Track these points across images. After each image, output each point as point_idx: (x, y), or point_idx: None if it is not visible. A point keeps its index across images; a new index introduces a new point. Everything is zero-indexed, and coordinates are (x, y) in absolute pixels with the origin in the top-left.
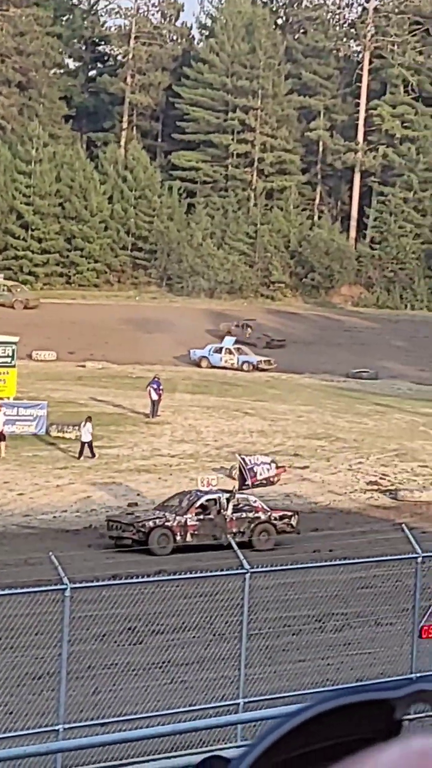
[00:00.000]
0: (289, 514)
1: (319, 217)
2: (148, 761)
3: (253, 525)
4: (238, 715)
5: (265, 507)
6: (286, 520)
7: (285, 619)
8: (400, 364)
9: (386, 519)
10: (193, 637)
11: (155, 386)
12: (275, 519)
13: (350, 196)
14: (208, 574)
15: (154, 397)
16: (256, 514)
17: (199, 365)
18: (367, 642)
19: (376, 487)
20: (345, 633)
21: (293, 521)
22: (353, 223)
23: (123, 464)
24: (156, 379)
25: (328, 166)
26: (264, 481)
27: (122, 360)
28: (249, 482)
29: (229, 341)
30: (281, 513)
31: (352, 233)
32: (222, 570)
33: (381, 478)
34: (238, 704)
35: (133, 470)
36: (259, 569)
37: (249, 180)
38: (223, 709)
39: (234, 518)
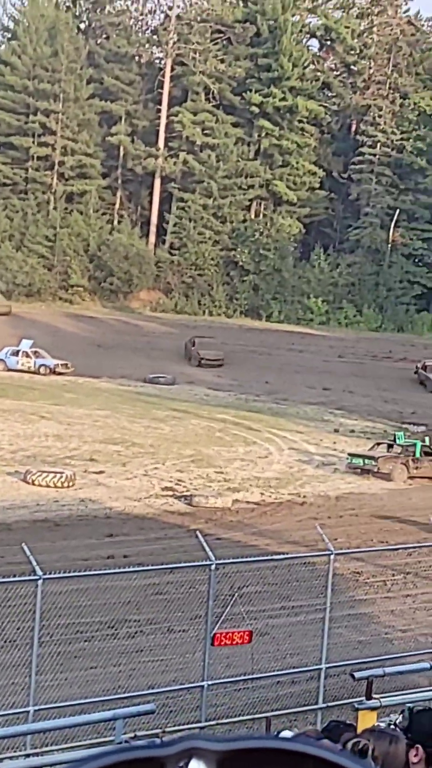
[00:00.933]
0: None
1: (119, 222)
2: None
3: None
4: (27, 725)
5: None
6: None
7: (77, 626)
8: (197, 370)
9: (181, 525)
10: None
11: None
12: None
13: (150, 202)
14: None
15: None
16: None
17: None
18: (160, 649)
19: (171, 492)
20: (138, 640)
21: None
22: (153, 229)
23: None
24: None
25: (128, 171)
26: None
27: None
28: None
29: (26, 344)
30: None
31: (152, 238)
32: (14, 576)
33: (176, 484)
34: (28, 712)
35: None
36: (52, 575)
37: (49, 183)
38: (13, 717)
39: None
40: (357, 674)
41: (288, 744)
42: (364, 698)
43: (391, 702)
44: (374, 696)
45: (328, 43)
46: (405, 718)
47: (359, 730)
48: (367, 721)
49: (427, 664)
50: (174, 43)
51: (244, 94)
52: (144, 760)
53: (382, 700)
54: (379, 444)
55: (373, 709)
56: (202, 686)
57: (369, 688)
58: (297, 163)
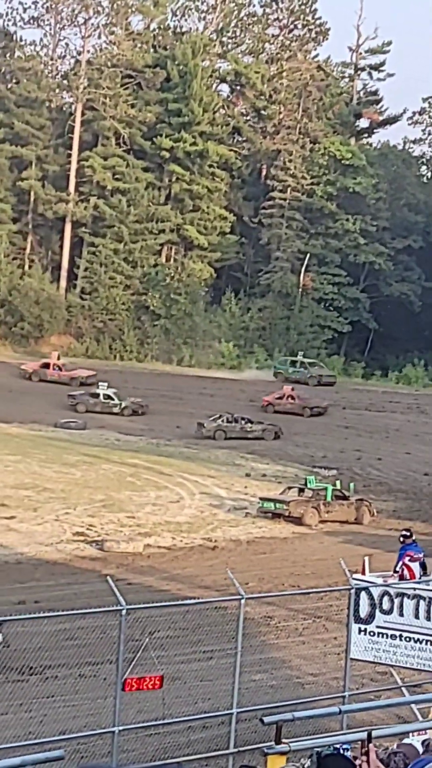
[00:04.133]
0: None
1: (30, 266)
2: None
3: None
4: None
5: None
6: None
7: None
8: (108, 415)
9: (92, 570)
10: None
11: None
12: None
13: (61, 246)
14: None
15: None
16: None
17: None
18: (71, 694)
19: (82, 537)
20: (49, 685)
21: None
22: (64, 273)
23: None
24: None
25: (39, 216)
26: None
27: None
28: None
29: None
30: None
31: (63, 283)
32: None
33: (88, 529)
34: None
35: None
36: None
37: None
38: None
39: None
40: (266, 719)
41: None
42: (273, 743)
43: (300, 746)
44: (283, 740)
45: (239, 88)
46: (313, 762)
47: None
48: (276, 765)
49: (336, 708)
50: (84, 88)
51: (154, 138)
52: None
53: (291, 744)
54: (290, 488)
55: (282, 753)
56: (113, 731)
57: (278, 733)
58: (208, 207)
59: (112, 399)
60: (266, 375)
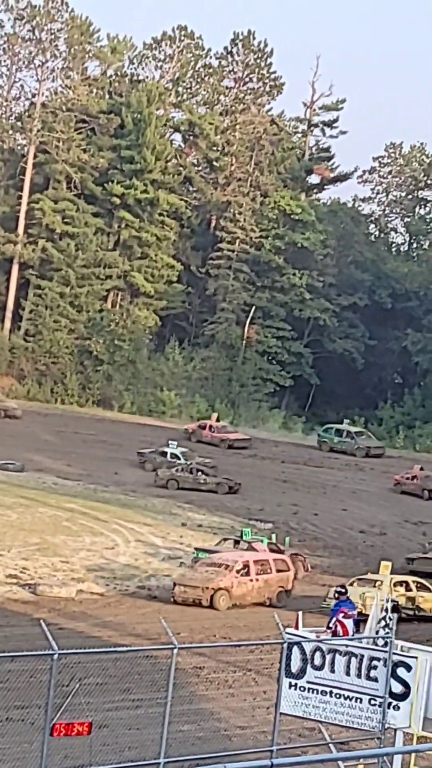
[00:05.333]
0: None
1: None
2: None
3: None
4: None
5: None
6: None
7: None
8: (47, 458)
9: (24, 613)
10: None
11: None
12: None
13: (7, 287)
14: None
15: None
16: None
17: None
18: None
19: (15, 580)
20: None
21: None
22: (8, 314)
23: None
24: None
25: None
26: None
27: None
28: None
29: None
30: None
31: (7, 324)
32: None
33: (21, 572)
34: None
35: None
36: None
37: None
38: None
39: None
40: None
41: None
42: None
43: None
44: None
45: (191, 138)
46: None
47: None
48: None
49: (267, 761)
50: (38, 130)
51: (105, 184)
52: None
53: None
54: (225, 539)
55: None
56: None
57: None
58: (156, 255)
59: (178, 458)
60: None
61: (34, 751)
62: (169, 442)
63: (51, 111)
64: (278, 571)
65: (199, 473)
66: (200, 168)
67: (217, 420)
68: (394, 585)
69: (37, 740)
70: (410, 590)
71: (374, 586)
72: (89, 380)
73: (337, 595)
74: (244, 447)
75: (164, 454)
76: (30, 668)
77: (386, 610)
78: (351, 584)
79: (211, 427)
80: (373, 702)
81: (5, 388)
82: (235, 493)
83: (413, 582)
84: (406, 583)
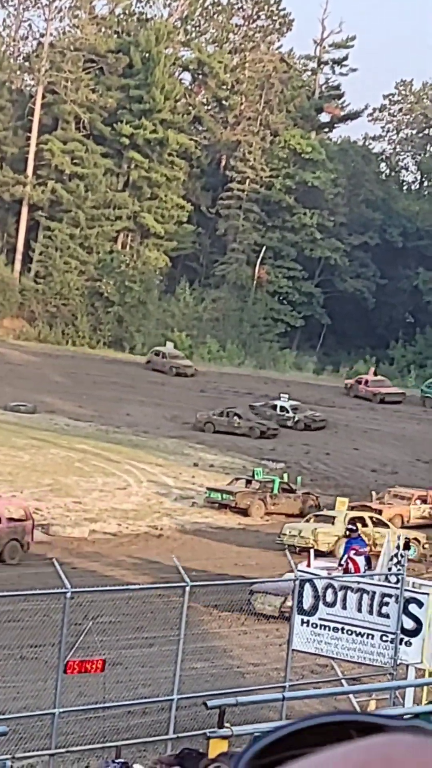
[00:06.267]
0: None
1: None
2: None
3: None
4: None
5: None
6: None
7: None
8: (58, 399)
9: (38, 554)
10: None
11: None
12: None
13: (17, 229)
14: None
15: None
16: None
17: None
18: (12, 676)
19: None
20: None
21: None
22: (18, 257)
23: None
24: None
25: None
26: None
27: None
28: None
29: None
30: None
31: (17, 266)
32: None
33: (34, 513)
34: None
35: None
36: None
37: None
38: None
39: None
40: (210, 702)
41: None
42: (215, 727)
43: (242, 732)
44: (226, 725)
45: (201, 77)
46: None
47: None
48: (217, 749)
49: (279, 695)
50: (46, 70)
51: (114, 124)
52: (374, 726)
53: (233, 729)
54: (237, 479)
55: (224, 737)
56: (54, 714)
57: (221, 717)
58: (165, 196)
59: (287, 412)
60: (217, 367)
61: (48, 689)
62: (281, 395)
63: (59, 51)
64: (10, 520)
65: (235, 417)
66: (210, 107)
67: (375, 374)
68: (350, 521)
69: (51, 678)
70: (366, 526)
71: (330, 523)
72: (100, 322)
73: (348, 532)
74: (397, 401)
75: (275, 407)
76: (44, 607)
77: (398, 547)
78: (307, 520)
79: (367, 381)
80: (384, 638)
81: (16, 330)
82: (268, 438)
83: (369, 518)
84: (362, 519)
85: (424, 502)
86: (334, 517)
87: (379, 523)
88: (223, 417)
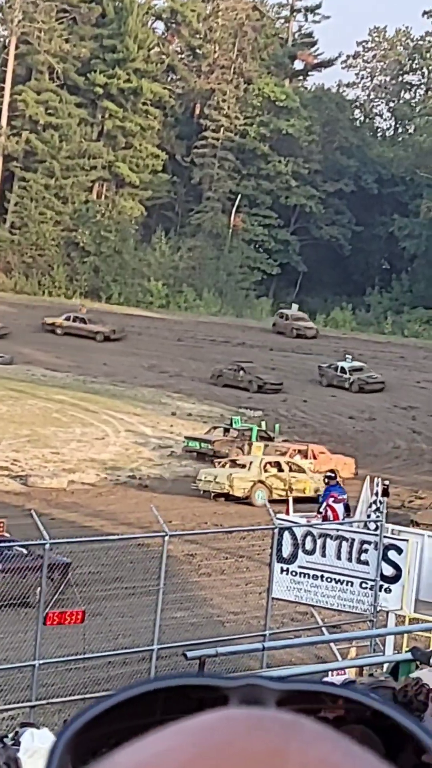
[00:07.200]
0: None
1: None
2: None
3: None
4: None
5: None
6: None
7: None
8: (35, 350)
9: (16, 505)
10: None
11: None
12: None
13: None
14: None
15: None
16: None
17: None
18: None
19: (6, 472)
20: None
21: None
22: None
23: None
24: None
25: None
26: None
27: None
28: None
29: None
30: None
31: None
32: None
33: (12, 464)
34: None
35: None
36: None
37: None
38: None
39: None
40: (189, 653)
41: (346, 692)
42: None
43: None
44: None
45: (174, 25)
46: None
47: None
48: None
49: (259, 645)
50: (19, 21)
51: (88, 74)
52: (209, 688)
53: None
54: (215, 428)
55: None
56: (34, 665)
57: (201, 667)
58: (140, 145)
59: (345, 373)
60: (194, 316)
61: (28, 640)
62: (346, 356)
63: (32, 1)
64: None
65: (240, 371)
66: (183, 56)
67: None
68: (265, 466)
69: (30, 629)
70: (282, 471)
71: (245, 468)
72: (76, 272)
73: (327, 480)
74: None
75: (337, 368)
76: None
77: (377, 494)
78: (223, 465)
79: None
80: (364, 585)
81: None
82: (265, 393)
83: (286, 463)
84: (278, 464)
85: (305, 456)
86: (249, 463)
87: (296, 469)
88: (230, 371)
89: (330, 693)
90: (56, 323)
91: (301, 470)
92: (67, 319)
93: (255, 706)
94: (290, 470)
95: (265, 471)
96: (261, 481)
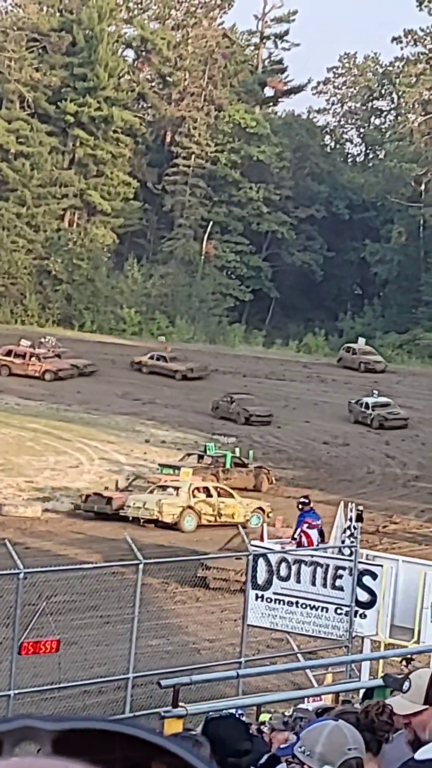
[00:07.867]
0: None
1: None
2: None
3: None
4: None
5: None
6: None
7: None
8: (8, 378)
9: None
10: None
11: None
12: None
13: None
14: None
15: None
16: None
17: None
18: None
19: None
20: None
21: None
22: None
23: None
24: None
25: None
26: None
27: None
28: None
29: None
30: None
31: None
32: None
33: None
34: None
35: None
36: None
37: None
38: None
39: None
40: (163, 682)
41: (120, 727)
42: (170, 706)
43: (197, 710)
44: (180, 704)
45: (144, 54)
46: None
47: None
48: (172, 728)
49: (233, 672)
50: None
51: (59, 103)
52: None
53: (188, 707)
54: (189, 455)
55: (179, 716)
56: (9, 695)
57: (175, 696)
58: (111, 173)
59: (368, 408)
60: (167, 343)
61: (2, 670)
62: (373, 392)
63: (2, 30)
64: None
65: (232, 403)
66: (154, 84)
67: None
68: (194, 491)
69: (5, 659)
70: (211, 496)
71: (174, 494)
72: (49, 300)
73: (301, 506)
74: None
75: (363, 404)
76: None
77: (351, 519)
78: (151, 491)
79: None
80: (339, 611)
81: None
82: (252, 425)
83: (215, 488)
84: (207, 489)
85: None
86: (178, 488)
87: (224, 494)
88: (225, 402)
89: (107, 730)
90: (142, 362)
91: (230, 495)
92: (152, 357)
93: (29, 750)
94: (219, 495)
95: (194, 496)
96: (190, 507)
